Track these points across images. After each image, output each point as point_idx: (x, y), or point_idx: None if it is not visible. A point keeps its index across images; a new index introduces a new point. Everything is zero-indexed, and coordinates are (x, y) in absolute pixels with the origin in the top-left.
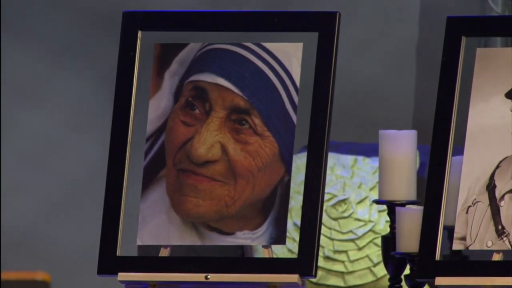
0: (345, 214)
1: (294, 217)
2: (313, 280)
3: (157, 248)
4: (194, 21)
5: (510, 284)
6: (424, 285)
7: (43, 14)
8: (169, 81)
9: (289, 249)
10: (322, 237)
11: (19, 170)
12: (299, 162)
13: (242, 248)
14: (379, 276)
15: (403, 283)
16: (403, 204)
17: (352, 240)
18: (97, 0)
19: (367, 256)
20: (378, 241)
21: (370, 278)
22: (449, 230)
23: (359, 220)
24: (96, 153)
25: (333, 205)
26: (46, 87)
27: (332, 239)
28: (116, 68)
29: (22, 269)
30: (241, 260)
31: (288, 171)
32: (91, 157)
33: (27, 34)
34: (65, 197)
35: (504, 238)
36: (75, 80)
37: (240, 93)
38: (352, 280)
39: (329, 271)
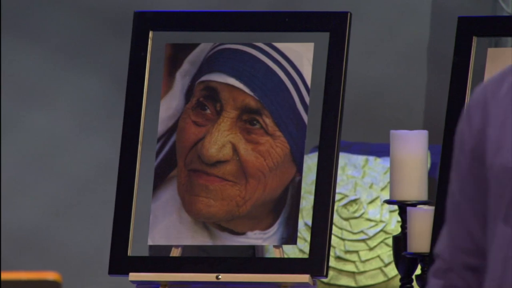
0: (356, 214)
1: (305, 217)
2: (324, 280)
3: (168, 248)
4: (205, 21)
5: None
6: None
7: (54, 14)
8: (181, 81)
9: (300, 249)
10: (333, 237)
11: (28, 170)
12: (310, 162)
13: (253, 248)
14: (390, 276)
15: (414, 283)
16: (414, 204)
17: (363, 240)
18: (108, 1)
19: (378, 256)
20: (389, 241)
21: (381, 278)
22: None
23: (370, 220)
24: (108, 153)
25: (344, 205)
26: (58, 87)
27: (343, 239)
28: (128, 68)
29: (32, 269)
30: (252, 260)
31: (299, 171)
32: (102, 157)
33: (37, 34)
34: (76, 197)
35: None
36: (87, 80)
37: (251, 93)
38: (363, 280)
39: (340, 271)
